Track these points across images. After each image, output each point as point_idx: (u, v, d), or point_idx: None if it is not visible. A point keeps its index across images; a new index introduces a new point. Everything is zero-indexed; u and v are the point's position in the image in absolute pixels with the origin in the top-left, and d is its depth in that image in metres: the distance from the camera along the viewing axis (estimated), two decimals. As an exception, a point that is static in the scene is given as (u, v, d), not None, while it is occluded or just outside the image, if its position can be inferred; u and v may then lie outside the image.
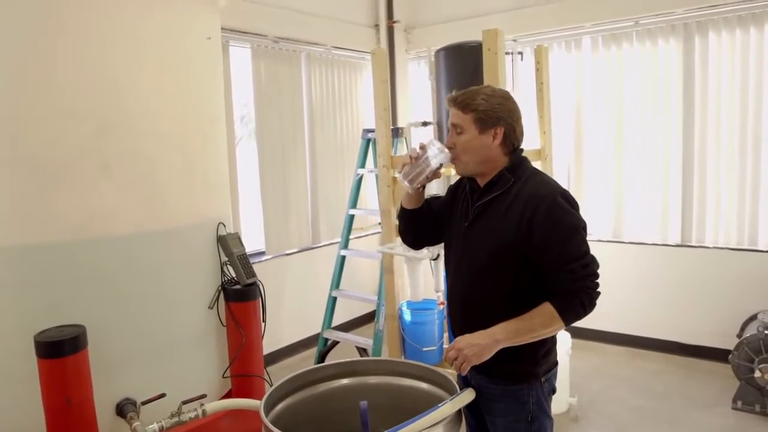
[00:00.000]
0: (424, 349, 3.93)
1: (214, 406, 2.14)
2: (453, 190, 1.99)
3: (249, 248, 4.87)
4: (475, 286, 1.77)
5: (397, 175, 1.82)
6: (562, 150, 4.84)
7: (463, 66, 3.70)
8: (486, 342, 1.64)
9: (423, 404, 1.83)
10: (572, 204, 1.70)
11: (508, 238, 1.67)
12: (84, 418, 1.99)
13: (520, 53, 3.82)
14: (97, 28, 2.03)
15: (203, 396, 2.11)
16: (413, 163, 1.80)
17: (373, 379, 2.06)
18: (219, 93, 2.59)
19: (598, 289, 1.66)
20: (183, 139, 2.29)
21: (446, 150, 1.76)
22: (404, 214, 2.01)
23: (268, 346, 4.66)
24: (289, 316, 4.82)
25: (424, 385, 2.03)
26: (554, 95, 4.60)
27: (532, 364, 1.75)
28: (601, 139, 4.74)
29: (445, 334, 4.04)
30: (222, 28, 4.09)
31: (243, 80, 4.61)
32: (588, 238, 1.70)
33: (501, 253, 1.69)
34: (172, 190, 2.25)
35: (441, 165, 1.77)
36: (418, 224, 2.01)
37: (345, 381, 2.05)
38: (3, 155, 1.94)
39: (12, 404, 2.02)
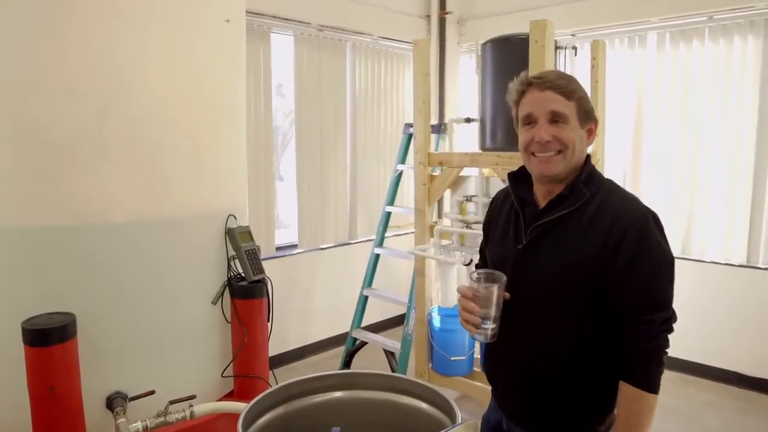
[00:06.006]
0: (453, 358, 3.73)
1: (203, 408, 2.04)
2: (490, 212, 1.68)
3: (285, 241, 4.83)
4: (539, 322, 1.46)
5: (476, 336, 1.48)
6: (618, 155, 4.49)
7: (510, 59, 3.47)
8: None
9: (421, 425, 1.70)
10: (662, 230, 1.40)
11: (584, 265, 1.37)
12: (69, 408, 1.93)
13: (575, 48, 3.52)
14: (102, 6, 1.94)
15: (192, 397, 2.01)
16: (477, 306, 1.43)
17: (370, 394, 1.90)
18: (238, 79, 2.47)
19: (668, 348, 1.38)
20: (192, 125, 2.18)
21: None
22: None
23: (296, 341, 4.60)
24: (319, 311, 4.72)
25: (424, 406, 1.85)
26: (613, 95, 4.28)
27: (598, 421, 1.46)
28: (662, 145, 4.35)
29: (477, 345, 3.82)
30: (263, 15, 4.04)
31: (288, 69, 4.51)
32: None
33: (576, 282, 1.39)
34: (177, 178, 2.15)
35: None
36: None
37: (338, 394, 1.89)
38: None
39: (1, 387, 1.98)
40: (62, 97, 1.92)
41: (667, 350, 1.37)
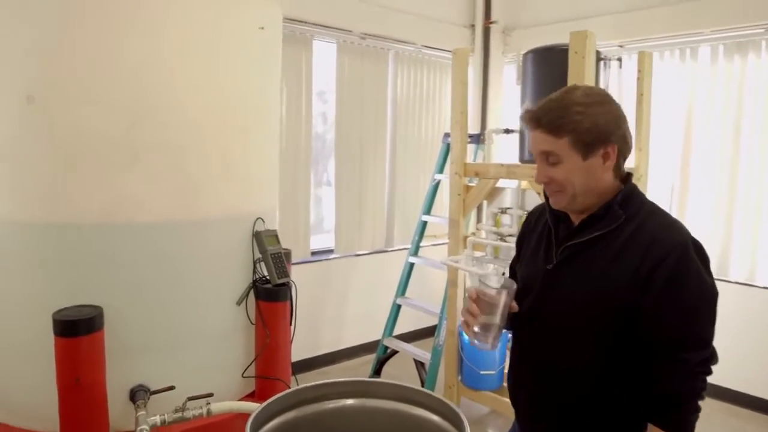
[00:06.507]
0: (482, 372, 3.67)
1: (220, 406, 2.07)
2: (524, 227, 1.63)
3: (324, 246, 4.87)
4: (564, 347, 1.40)
5: (476, 342, 1.42)
6: (665, 171, 4.32)
7: (551, 71, 3.40)
8: None
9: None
10: (705, 261, 1.30)
11: (616, 291, 1.30)
12: (94, 399, 2.00)
13: (619, 59, 3.43)
14: (133, 14, 2.02)
15: (210, 395, 2.05)
16: (480, 310, 1.35)
17: (380, 403, 1.89)
18: (271, 85, 2.52)
19: (705, 392, 1.28)
20: (220, 130, 2.24)
21: (501, 272, 1.41)
22: None
23: (328, 346, 4.62)
24: (352, 317, 4.73)
25: (435, 418, 1.82)
26: (662, 109, 4.12)
27: None
28: (713, 161, 4.16)
29: (507, 360, 3.74)
30: (306, 22, 4.11)
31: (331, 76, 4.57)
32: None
33: (604, 308, 1.32)
34: (204, 182, 2.21)
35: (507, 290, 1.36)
36: None
37: (350, 401, 1.89)
38: (35, 135, 2.00)
39: (32, 379, 2.08)
40: (95, 105, 2.01)
41: (703, 393, 1.28)
